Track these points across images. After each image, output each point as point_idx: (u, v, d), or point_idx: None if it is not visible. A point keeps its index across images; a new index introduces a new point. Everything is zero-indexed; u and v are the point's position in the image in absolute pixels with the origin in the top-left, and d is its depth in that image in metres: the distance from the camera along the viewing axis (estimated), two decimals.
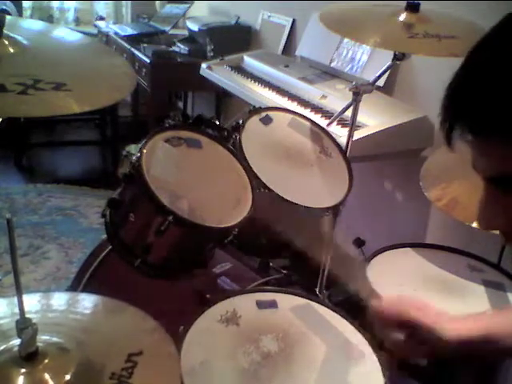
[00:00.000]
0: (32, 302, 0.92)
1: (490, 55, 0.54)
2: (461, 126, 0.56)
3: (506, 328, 0.90)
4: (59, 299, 1.00)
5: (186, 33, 3.58)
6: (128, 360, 0.82)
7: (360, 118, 1.75)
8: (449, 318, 0.94)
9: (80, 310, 0.95)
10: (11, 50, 0.81)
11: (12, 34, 0.83)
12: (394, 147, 2.03)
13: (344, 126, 1.93)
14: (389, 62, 1.58)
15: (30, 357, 0.79)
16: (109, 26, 3.91)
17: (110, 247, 1.47)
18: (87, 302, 0.99)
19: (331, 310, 1.26)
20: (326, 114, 2.12)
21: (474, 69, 0.56)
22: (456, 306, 1.37)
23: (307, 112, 2.12)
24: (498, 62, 0.53)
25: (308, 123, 1.64)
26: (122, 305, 0.96)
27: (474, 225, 1.36)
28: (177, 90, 4.14)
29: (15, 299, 0.81)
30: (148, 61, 3.14)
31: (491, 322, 0.92)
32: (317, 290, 1.79)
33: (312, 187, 1.49)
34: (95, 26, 4.07)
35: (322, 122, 1.89)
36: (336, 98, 2.20)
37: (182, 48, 3.31)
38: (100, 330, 0.90)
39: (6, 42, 0.81)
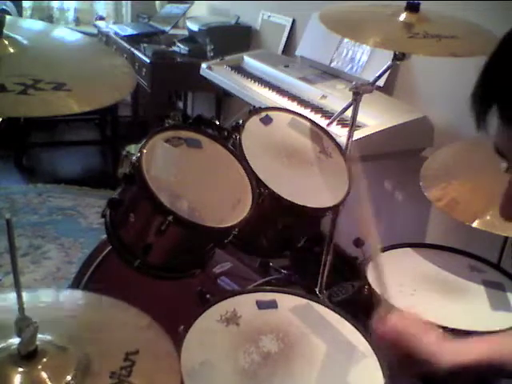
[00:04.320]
0: (27, 301, 0.92)
1: None
2: (494, 108, 0.56)
3: (506, 352, 0.89)
4: (55, 298, 1.00)
5: (186, 33, 3.58)
6: (126, 359, 0.82)
7: (360, 118, 1.75)
8: (447, 342, 0.93)
9: (76, 309, 0.95)
10: (11, 50, 0.81)
11: (12, 34, 0.83)
12: (394, 147, 2.03)
13: (344, 125, 1.93)
14: (389, 62, 1.58)
15: (28, 355, 0.79)
16: (109, 26, 3.90)
17: (110, 247, 1.47)
18: (82, 300, 0.99)
19: (331, 309, 1.26)
20: (326, 113, 2.12)
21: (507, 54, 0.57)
22: (456, 306, 1.37)
23: (307, 112, 2.12)
24: None
25: (308, 123, 1.64)
26: (118, 303, 0.96)
27: (474, 225, 1.36)
28: (177, 89, 4.14)
29: (13, 297, 0.81)
30: (148, 61, 3.14)
31: (493, 345, 0.91)
32: (317, 289, 1.79)
33: (312, 187, 1.49)
34: (95, 26, 4.07)
35: (322, 122, 1.89)
36: (336, 97, 2.20)
37: (181, 48, 3.31)
38: (97, 329, 0.90)
39: (6, 42, 0.81)
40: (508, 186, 0.64)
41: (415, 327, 0.94)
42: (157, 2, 4.17)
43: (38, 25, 1.11)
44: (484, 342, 0.93)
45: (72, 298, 1.01)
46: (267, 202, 1.36)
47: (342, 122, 1.94)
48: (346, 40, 2.46)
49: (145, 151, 1.24)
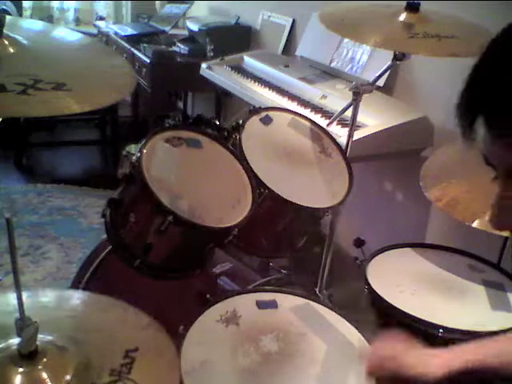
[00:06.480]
0: (27, 301, 0.92)
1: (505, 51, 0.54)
2: (480, 118, 0.55)
3: (490, 358, 0.89)
4: (54, 298, 1.00)
5: (186, 33, 3.58)
6: (126, 356, 0.83)
7: (360, 118, 1.75)
8: (427, 355, 0.92)
9: (75, 309, 0.95)
10: (11, 50, 0.81)
11: (12, 34, 0.83)
12: (394, 147, 2.03)
13: (344, 125, 1.93)
14: (389, 62, 1.58)
15: (29, 355, 0.79)
16: (109, 26, 3.90)
17: (110, 247, 1.47)
18: (81, 300, 0.99)
19: (331, 309, 1.26)
20: (326, 113, 2.12)
21: (493, 62, 0.55)
22: (456, 306, 1.37)
23: (307, 112, 2.12)
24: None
25: (308, 123, 1.64)
26: (116, 302, 0.96)
27: (474, 225, 1.35)
28: (177, 89, 4.14)
29: (13, 297, 0.81)
30: (148, 61, 3.14)
31: (475, 352, 0.91)
32: (317, 289, 1.79)
33: (312, 187, 1.49)
34: (95, 25, 4.07)
35: (322, 122, 1.89)
36: (336, 97, 2.20)
37: (181, 48, 3.31)
38: (96, 329, 0.90)
39: (6, 42, 0.81)
40: (496, 197, 0.62)
41: (393, 350, 0.94)
42: (157, 2, 4.17)
43: (37, 25, 1.10)
44: (466, 352, 0.92)
45: (72, 297, 1.01)
46: (267, 202, 1.36)
47: (342, 122, 1.94)
48: (346, 40, 2.46)
49: (145, 151, 1.24)
